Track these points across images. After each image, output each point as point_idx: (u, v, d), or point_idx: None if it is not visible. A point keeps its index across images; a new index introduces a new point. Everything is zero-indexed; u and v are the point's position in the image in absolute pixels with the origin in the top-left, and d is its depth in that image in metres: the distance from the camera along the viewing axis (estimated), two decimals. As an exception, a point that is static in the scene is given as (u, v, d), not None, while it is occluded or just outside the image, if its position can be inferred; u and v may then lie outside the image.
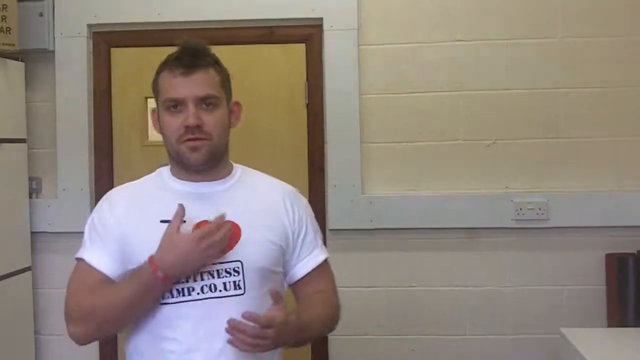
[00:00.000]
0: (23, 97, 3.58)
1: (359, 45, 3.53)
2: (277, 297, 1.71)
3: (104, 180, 3.67)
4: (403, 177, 3.53)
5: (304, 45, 3.61)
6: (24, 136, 3.59)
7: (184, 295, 1.77)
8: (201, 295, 1.77)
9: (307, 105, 3.59)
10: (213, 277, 1.77)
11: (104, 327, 1.85)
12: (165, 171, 1.97)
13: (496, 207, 3.46)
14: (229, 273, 1.78)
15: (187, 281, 1.77)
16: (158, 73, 1.91)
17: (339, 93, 3.52)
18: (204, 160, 1.85)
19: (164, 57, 3.67)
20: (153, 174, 2.01)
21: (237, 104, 2.00)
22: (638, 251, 3.38)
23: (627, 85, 3.48)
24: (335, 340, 3.44)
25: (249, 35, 3.62)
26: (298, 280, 1.95)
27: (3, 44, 3.33)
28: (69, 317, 1.87)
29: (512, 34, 3.50)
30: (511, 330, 3.50)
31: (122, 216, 1.86)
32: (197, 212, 1.81)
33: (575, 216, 3.44)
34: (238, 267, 1.78)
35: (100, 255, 1.84)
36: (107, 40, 3.68)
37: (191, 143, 1.81)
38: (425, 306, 3.53)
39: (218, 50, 3.66)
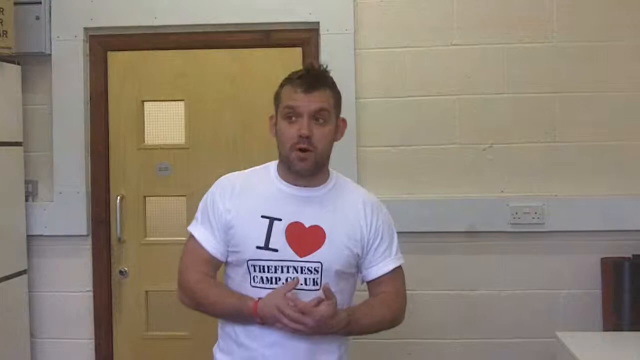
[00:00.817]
0: (19, 100, 3.58)
1: (355, 49, 3.54)
2: (328, 294, 1.99)
3: (100, 183, 3.67)
4: (399, 181, 3.54)
5: (300, 49, 3.62)
6: (20, 139, 3.59)
7: (271, 283, 2.08)
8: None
9: (304, 109, 3.58)
10: (297, 272, 2.07)
11: (202, 311, 2.19)
12: (273, 168, 2.23)
13: (492, 211, 3.47)
14: (310, 271, 2.08)
15: (276, 271, 2.08)
16: (282, 86, 2.19)
17: (335, 97, 3.52)
18: (309, 169, 2.12)
19: (160, 60, 3.70)
20: (261, 167, 2.28)
21: (344, 120, 2.25)
22: (633, 255, 3.39)
23: (623, 90, 3.49)
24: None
25: (246, 39, 3.63)
26: (369, 281, 2.23)
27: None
28: (179, 286, 2.20)
29: (508, 39, 3.51)
30: (507, 334, 3.51)
31: (231, 206, 2.15)
32: (293, 213, 2.12)
33: (571, 220, 3.45)
34: (318, 267, 2.08)
35: (208, 236, 2.16)
36: (103, 44, 3.68)
37: (300, 154, 2.08)
38: (422, 310, 3.53)
39: (215, 54, 3.70)
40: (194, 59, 3.67)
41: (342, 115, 2.28)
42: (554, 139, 3.50)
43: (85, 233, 3.64)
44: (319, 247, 2.10)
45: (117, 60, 3.70)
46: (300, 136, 2.07)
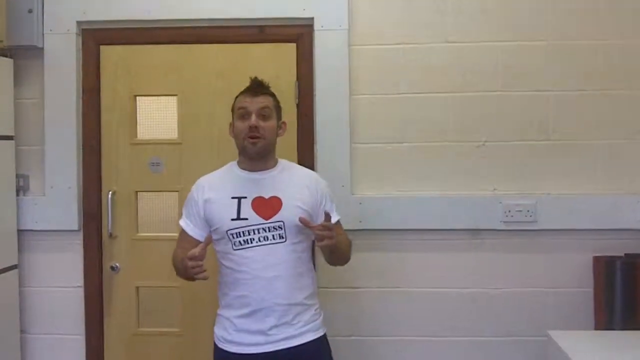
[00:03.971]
0: (11, 93, 3.56)
1: (349, 45, 3.53)
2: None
3: (91, 178, 3.66)
4: (392, 178, 3.54)
5: (294, 44, 3.61)
6: (11, 133, 3.57)
7: (248, 243, 2.72)
8: (258, 243, 2.72)
9: (297, 105, 3.58)
10: (265, 232, 2.72)
11: (177, 274, 2.84)
12: (234, 164, 2.90)
13: (485, 209, 3.47)
14: (275, 229, 2.72)
15: (249, 234, 2.71)
16: (236, 97, 2.86)
17: (329, 93, 3.52)
18: (259, 151, 2.78)
19: (153, 55, 3.69)
20: (226, 166, 2.92)
21: (284, 123, 2.94)
22: (625, 254, 3.40)
23: (616, 88, 3.49)
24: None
25: (240, 34, 3.62)
26: None
27: (-9, 40, 3.32)
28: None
29: (502, 37, 3.51)
30: (499, 332, 3.51)
31: (206, 197, 2.81)
32: (254, 192, 2.78)
33: (563, 219, 3.45)
34: (281, 225, 2.73)
35: (191, 224, 2.85)
36: (96, 38, 3.66)
37: (251, 140, 2.76)
38: (413, 308, 3.54)
39: (208, 49, 3.68)
40: (187, 53, 3.66)
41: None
42: (547, 137, 3.50)
43: (76, 228, 3.63)
44: (279, 210, 2.74)
45: (110, 55, 3.68)
46: (250, 127, 2.75)
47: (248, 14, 3.57)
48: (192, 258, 2.55)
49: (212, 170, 2.94)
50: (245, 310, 2.73)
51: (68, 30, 3.61)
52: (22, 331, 3.65)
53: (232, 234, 2.72)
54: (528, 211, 3.46)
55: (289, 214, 2.73)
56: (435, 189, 3.52)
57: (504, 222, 3.47)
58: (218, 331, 2.84)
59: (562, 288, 3.49)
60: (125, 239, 3.70)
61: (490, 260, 3.51)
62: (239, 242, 2.72)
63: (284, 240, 2.73)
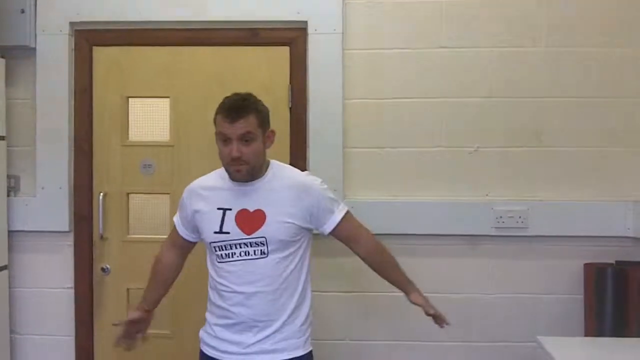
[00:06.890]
0: (3, 93, 3.55)
1: (343, 49, 3.53)
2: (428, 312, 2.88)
3: (83, 179, 3.64)
4: (384, 182, 3.53)
5: (288, 48, 3.60)
6: (3, 133, 3.55)
7: (229, 257, 2.68)
8: (239, 258, 2.67)
9: (290, 108, 3.58)
10: (247, 246, 2.66)
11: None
12: (225, 171, 2.73)
13: (476, 214, 3.47)
14: (257, 244, 2.65)
15: (231, 248, 2.67)
16: (217, 113, 2.64)
17: (322, 97, 3.51)
18: (244, 178, 2.67)
19: (145, 56, 3.66)
20: (219, 171, 2.77)
21: (272, 131, 2.73)
22: (616, 261, 3.40)
23: (610, 96, 3.50)
24: (313, 344, 3.42)
25: (233, 37, 3.61)
26: (329, 233, 2.79)
27: (-17, 40, 3.30)
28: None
29: (496, 42, 3.51)
30: (488, 338, 3.51)
31: (195, 208, 2.76)
32: (240, 203, 2.67)
33: (554, 225, 3.46)
34: (263, 241, 2.64)
35: (181, 223, 2.86)
36: (88, 38, 3.65)
37: (235, 167, 2.63)
38: (404, 312, 3.52)
39: (202, 51, 3.66)
40: (180, 55, 3.65)
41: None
42: (539, 143, 3.50)
43: (67, 229, 3.62)
44: (262, 225, 2.64)
45: (103, 56, 3.67)
46: (232, 158, 2.59)
47: (242, 17, 3.56)
48: (131, 322, 2.89)
49: (203, 173, 2.86)
50: (224, 322, 2.72)
51: (61, 30, 3.60)
52: (12, 332, 3.65)
53: (214, 247, 2.70)
54: (520, 217, 3.46)
55: (272, 229, 2.65)
56: (428, 195, 3.52)
57: (496, 228, 3.47)
58: (202, 333, 2.85)
59: (553, 294, 3.50)
60: (116, 241, 3.69)
61: (482, 266, 3.52)
62: (221, 255, 2.69)
63: (266, 255, 2.65)
